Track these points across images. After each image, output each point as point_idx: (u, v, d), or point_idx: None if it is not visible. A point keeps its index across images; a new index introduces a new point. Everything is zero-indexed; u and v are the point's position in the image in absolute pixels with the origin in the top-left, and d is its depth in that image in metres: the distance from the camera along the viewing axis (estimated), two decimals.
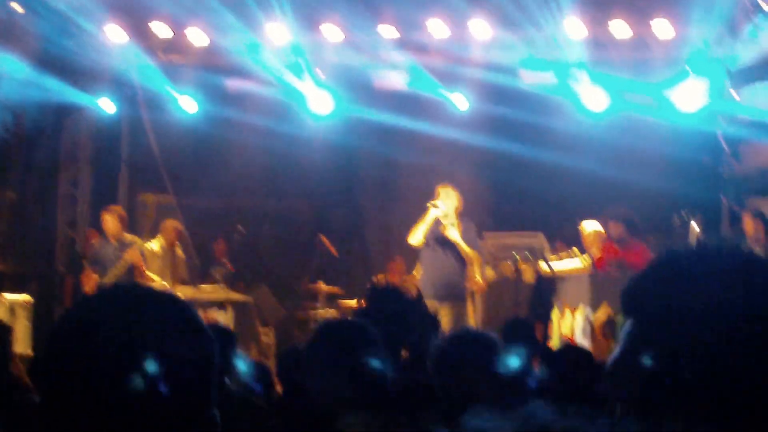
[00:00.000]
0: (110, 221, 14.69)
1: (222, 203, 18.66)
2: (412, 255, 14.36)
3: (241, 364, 6.36)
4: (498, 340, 5.20)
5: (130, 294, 2.16)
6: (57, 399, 2.04)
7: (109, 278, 14.31)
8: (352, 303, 15.63)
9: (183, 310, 2.14)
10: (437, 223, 13.52)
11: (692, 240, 13.70)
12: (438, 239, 13.58)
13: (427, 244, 13.61)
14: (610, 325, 13.00)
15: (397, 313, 6.10)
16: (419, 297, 8.93)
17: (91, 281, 14.44)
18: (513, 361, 4.98)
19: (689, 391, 1.93)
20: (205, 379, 2.10)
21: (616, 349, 2.09)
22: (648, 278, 2.12)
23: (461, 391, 4.87)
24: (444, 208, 13.46)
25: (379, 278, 15.86)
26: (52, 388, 2.06)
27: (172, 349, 2.04)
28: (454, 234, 13.47)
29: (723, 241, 14.42)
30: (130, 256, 14.47)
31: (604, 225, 14.46)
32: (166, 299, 2.15)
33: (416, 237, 13.58)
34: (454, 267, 13.58)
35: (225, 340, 6.98)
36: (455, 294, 13.41)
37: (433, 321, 7.38)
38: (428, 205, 13.52)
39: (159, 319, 2.08)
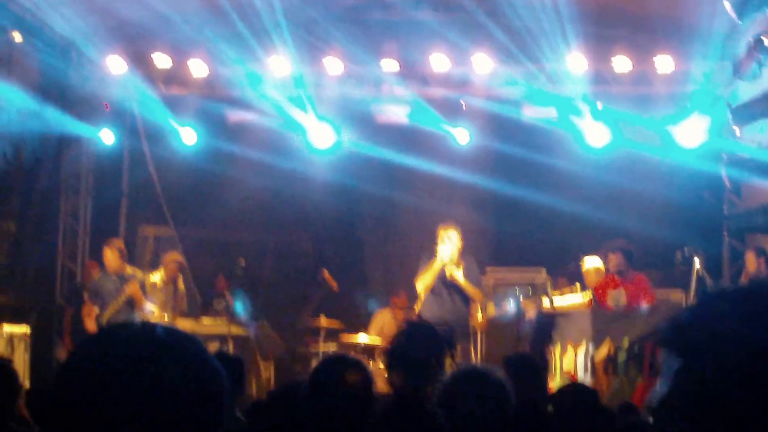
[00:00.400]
0: (110, 255, 14.63)
1: (222, 236, 18.64)
2: (412, 289, 14.30)
3: None
4: (505, 378, 5.19)
5: (139, 332, 2.15)
6: None
7: (109, 312, 14.28)
8: (354, 338, 15.55)
9: (192, 346, 2.13)
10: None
11: (694, 277, 13.68)
12: (441, 281, 13.53)
13: (432, 289, 13.57)
14: (611, 361, 12.95)
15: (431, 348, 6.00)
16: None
17: (91, 314, 14.38)
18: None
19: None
20: (217, 413, 2.10)
21: (660, 386, 2.05)
22: (695, 319, 2.07)
23: (468, 427, 4.89)
24: (449, 252, 13.41)
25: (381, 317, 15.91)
26: (56, 424, 2.06)
27: (182, 387, 2.03)
28: (459, 276, 13.43)
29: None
30: (130, 289, 14.42)
31: (604, 259, 14.46)
32: (176, 336, 2.15)
33: (425, 283, 13.52)
34: (458, 307, 13.54)
35: (235, 369, 6.99)
36: (460, 333, 13.35)
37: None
38: (436, 252, 13.46)
39: (169, 357, 2.07)
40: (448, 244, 13.43)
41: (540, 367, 6.36)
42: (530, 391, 6.10)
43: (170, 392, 2.02)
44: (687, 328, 2.03)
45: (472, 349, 14.06)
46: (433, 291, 13.56)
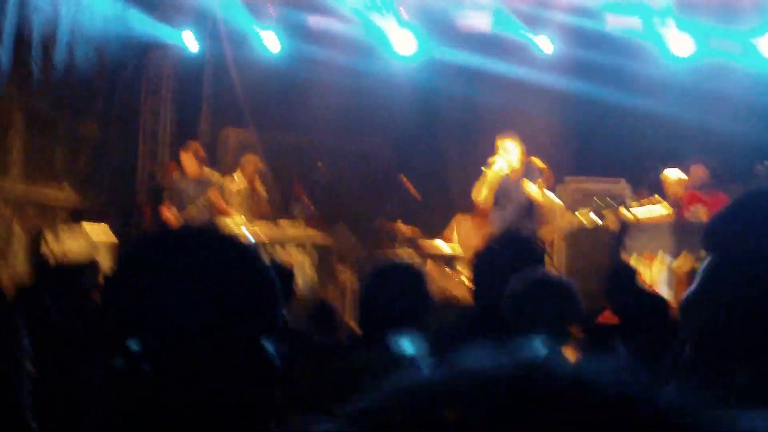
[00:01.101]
0: (188, 159, 14.75)
1: (303, 140, 18.71)
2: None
3: None
4: (572, 285, 5.22)
5: (196, 236, 2.26)
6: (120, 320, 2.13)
7: (187, 213, 14.45)
8: (432, 244, 15.63)
9: (245, 252, 2.20)
10: (506, 178, 13.46)
11: None
12: (504, 195, 13.52)
13: (495, 202, 13.53)
14: (691, 274, 12.93)
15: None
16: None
17: (170, 213, 14.57)
18: None
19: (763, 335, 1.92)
20: (267, 315, 2.17)
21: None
22: (729, 216, 2.12)
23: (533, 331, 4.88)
24: (503, 164, 13.37)
25: (461, 221, 15.93)
26: (116, 309, 2.17)
27: (232, 289, 2.11)
28: (531, 188, 13.45)
29: None
30: (210, 194, 14.59)
31: (686, 173, 14.39)
32: (230, 244, 2.22)
33: (481, 194, 13.53)
34: (524, 223, 13.47)
35: (285, 276, 7.24)
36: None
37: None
38: (489, 161, 13.46)
39: (221, 261, 2.15)
40: (507, 153, 13.43)
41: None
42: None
43: (226, 293, 2.10)
44: (719, 228, 2.11)
45: (549, 259, 14.08)
46: (495, 204, 13.55)
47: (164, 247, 2.19)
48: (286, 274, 7.42)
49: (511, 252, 5.80)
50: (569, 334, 5.04)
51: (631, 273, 9.43)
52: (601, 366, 1.12)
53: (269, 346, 2.16)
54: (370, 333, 4.94)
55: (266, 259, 2.27)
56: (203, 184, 14.75)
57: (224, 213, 14.64)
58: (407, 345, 4.58)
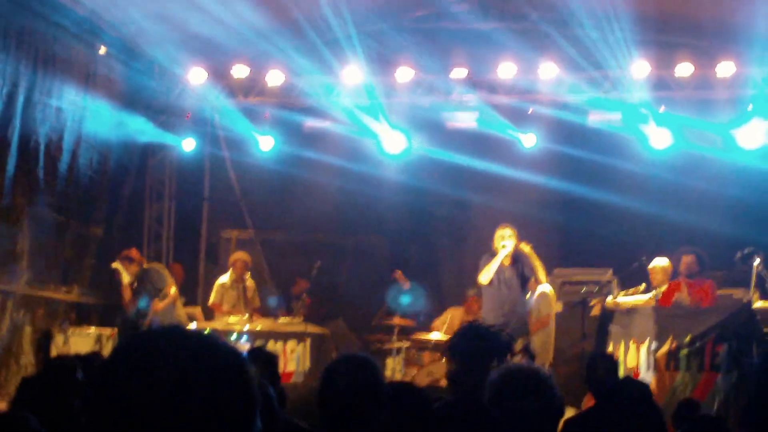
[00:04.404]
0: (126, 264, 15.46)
1: (300, 238, 19.12)
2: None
3: None
4: (548, 375, 5.20)
5: (175, 338, 2.19)
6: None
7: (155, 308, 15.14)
8: (427, 336, 15.92)
9: (228, 358, 2.17)
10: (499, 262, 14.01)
11: (754, 276, 13.91)
12: (499, 277, 14.05)
13: (491, 282, 14.09)
14: (673, 357, 13.15)
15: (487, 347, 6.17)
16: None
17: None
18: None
19: None
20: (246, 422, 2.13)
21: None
22: None
23: (514, 422, 4.90)
24: (510, 247, 13.95)
25: (452, 314, 16.26)
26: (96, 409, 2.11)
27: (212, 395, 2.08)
28: (527, 253, 14.04)
29: None
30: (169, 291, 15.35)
31: (676, 260, 14.71)
32: (206, 343, 2.18)
33: (487, 276, 14.04)
34: (517, 302, 14.08)
35: (269, 363, 7.47)
36: (520, 327, 13.79)
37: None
38: (498, 246, 13.99)
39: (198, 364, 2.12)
40: (508, 240, 13.97)
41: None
42: None
43: (199, 399, 2.06)
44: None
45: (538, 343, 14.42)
46: (491, 285, 14.06)
47: (147, 350, 2.14)
48: (270, 359, 7.53)
49: (475, 343, 6.09)
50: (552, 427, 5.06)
51: (612, 362, 9.84)
52: None
53: None
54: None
55: (252, 369, 2.20)
56: (156, 274, 15.40)
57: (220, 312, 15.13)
58: None
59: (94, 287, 16.49)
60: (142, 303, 15.22)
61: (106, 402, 2.08)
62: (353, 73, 16.46)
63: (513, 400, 4.91)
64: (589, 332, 14.49)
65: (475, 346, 6.08)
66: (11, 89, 13.58)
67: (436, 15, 16.47)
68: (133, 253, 15.64)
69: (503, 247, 13.95)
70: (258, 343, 14.58)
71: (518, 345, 13.45)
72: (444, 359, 14.73)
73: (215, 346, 2.18)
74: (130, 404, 2.05)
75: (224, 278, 16.24)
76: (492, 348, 6.09)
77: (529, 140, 17.19)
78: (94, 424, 2.10)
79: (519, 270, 14.08)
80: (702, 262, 14.58)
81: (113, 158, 16.55)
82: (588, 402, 12.23)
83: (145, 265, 15.67)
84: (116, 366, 2.14)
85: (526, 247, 14.05)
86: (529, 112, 16.95)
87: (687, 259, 14.63)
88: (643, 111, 16.21)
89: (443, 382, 13.80)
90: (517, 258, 14.12)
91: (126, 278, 15.33)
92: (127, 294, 15.35)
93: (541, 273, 14.11)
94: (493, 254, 14.09)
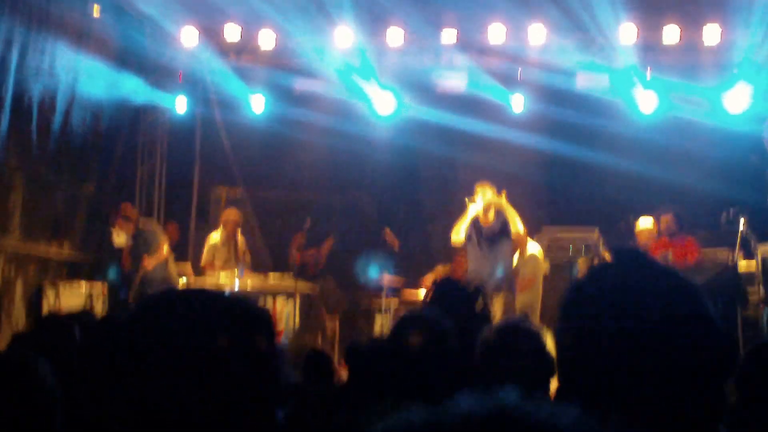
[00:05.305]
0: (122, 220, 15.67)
1: (290, 196, 19.18)
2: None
3: None
4: (541, 330, 5.26)
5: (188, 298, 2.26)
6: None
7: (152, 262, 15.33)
8: (416, 294, 16.10)
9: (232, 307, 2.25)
10: (477, 221, 14.12)
11: (739, 236, 14.09)
12: (478, 234, 14.17)
13: (469, 238, 14.16)
14: None
15: (455, 305, 6.19)
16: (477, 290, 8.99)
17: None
18: None
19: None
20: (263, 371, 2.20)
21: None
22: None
23: (507, 379, 4.49)
24: (481, 204, 14.05)
25: (440, 271, 16.35)
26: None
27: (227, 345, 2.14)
28: (504, 213, 14.12)
29: None
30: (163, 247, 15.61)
31: (656, 220, 14.89)
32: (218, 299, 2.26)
33: (457, 235, 14.17)
34: (500, 258, 14.14)
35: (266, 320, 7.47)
36: (504, 285, 13.99)
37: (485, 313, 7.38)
38: (466, 200, 14.12)
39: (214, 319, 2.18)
40: (483, 196, 14.09)
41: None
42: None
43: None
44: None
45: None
46: (470, 240, 14.16)
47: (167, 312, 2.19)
48: (267, 317, 7.61)
49: (447, 297, 6.26)
50: (543, 385, 5.02)
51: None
52: (570, 412, 1.39)
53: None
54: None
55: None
56: (151, 234, 15.59)
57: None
58: None
59: (85, 244, 16.60)
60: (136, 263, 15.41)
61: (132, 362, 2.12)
62: (344, 35, 16.51)
63: (505, 358, 4.94)
64: None
65: (448, 301, 6.17)
66: (4, 48, 13.64)
67: None
68: (129, 210, 15.75)
69: (473, 201, 14.05)
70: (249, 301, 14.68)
71: (499, 301, 13.71)
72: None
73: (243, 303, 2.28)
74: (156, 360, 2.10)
75: (215, 237, 16.30)
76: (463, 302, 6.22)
77: (517, 102, 17.34)
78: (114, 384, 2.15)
79: (500, 225, 14.12)
80: (680, 220, 14.72)
81: (105, 118, 16.64)
82: None
83: (140, 223, 15.79)
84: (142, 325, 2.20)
85: (500, 199, 14.13)
86: (518, 76, 17.05)
87: (665, 218, 14.79)
88: (630, 75, 16.34)
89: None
90: (496, 215, 14.18)
91: (121, 241, 15.46)
92: (125, 254, 15.51)
93: (514, 222, 14.08)
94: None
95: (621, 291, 2.16)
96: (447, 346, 4.88)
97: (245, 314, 2.26)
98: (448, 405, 1.41)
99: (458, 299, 6.31)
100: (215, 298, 2.28)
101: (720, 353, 2.16)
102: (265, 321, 2.31)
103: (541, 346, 5.08)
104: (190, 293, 2.33)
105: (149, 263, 15.33)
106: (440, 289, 6.61)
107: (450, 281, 8.11)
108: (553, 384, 5.14)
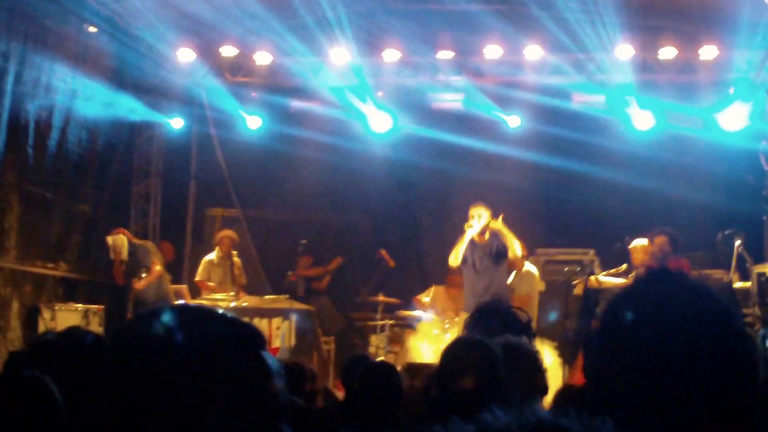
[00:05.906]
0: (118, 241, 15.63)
1: (286, 216, 19.22)
2: None
3: None
4: (537, 354, 5.28)
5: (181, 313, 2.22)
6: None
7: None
8: (410, 314, 16.08)
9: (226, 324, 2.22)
10: (473, 241, 14.06)
11: (735, 257, 14.08)
12: (472, 254, 14.07)
13: (464, 261, 14.04)
14: None
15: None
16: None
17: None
18: None
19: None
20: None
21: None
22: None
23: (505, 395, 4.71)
24: (478, 227, 14.00)
25: (435, 291, 16.33)
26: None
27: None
28: (498, 228, 13.98)
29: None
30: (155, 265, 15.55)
31: (650, 241, 14.88)
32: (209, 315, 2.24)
33: (456, 260, 14.05)
34: (496, 279, 14.00)
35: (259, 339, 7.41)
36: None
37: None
38: (465, 227, 14.05)
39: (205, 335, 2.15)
40: (476, 220, 13.99)
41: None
42: None
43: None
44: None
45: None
46: (465, 263, 14.02)
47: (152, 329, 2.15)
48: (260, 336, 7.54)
49: (497, 320, 6.00)
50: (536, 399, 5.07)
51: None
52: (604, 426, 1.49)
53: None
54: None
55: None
56: (144, 252, 15.54)
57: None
58: None
59: (81, 264, 16.54)
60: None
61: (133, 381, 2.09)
62: (341, 54, 16.51)
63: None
64: (572, 311, 14.63)
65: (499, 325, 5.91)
66: (1, 66, 13.62)
67: None
68: (124, 235, 15.78)
69: (470, 226, 14.04)
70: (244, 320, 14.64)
71: None
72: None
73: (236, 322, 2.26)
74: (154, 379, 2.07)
75: (211, 255, 16.28)
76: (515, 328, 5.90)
77: (513, 121, 17.36)
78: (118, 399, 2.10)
79: (493, 247, 14.02)
80: (675, 242, 14.69)
81: (102, 136, 16.58)
82: (572, 378, 12.44)
83: (136, 243, 15.79)
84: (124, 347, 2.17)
85: (497, 223, 14.09)
86: (515, 96, 17.05)
87: (659, 240, 14.75)
88: (627, 95, 16.37)
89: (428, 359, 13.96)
90: (492, 235, 14.16)
91: (118, 245, 15.48)
92: (116, 267, 15.51)
93: (512, 246, 13.94)
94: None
95: (660, 311, 2.15)
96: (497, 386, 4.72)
97: (240, 331, 2.24)
98: (487, 420, 1.49)
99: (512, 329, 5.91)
100: (209, 314, 2.26)
101: (756, 372, 2.16)
102: (259, 339, 2.28)
103: (539, 363, 5.18)
104: (183, 309, 2.30)
105: (139, 284, 15.30)
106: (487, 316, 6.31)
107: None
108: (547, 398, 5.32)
